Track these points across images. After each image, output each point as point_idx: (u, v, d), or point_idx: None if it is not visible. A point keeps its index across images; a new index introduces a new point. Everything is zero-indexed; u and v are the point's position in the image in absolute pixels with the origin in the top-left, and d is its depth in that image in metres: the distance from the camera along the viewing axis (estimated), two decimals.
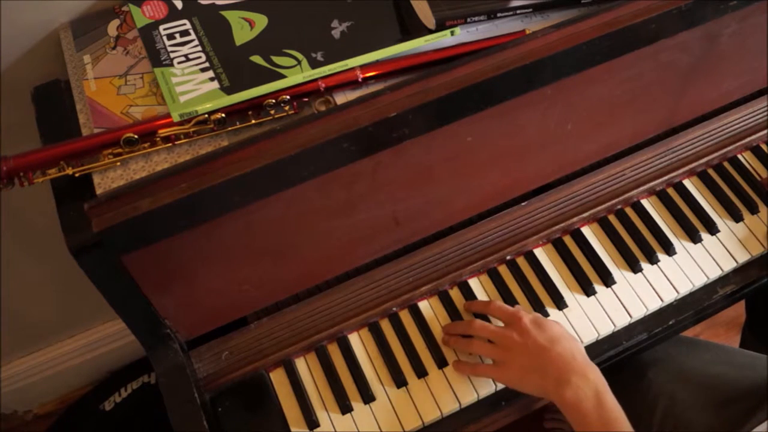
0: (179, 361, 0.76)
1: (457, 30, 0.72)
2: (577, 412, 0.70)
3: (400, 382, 0.81)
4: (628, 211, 0.92)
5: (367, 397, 0.80)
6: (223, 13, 0.75)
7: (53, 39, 0.78)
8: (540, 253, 0.89)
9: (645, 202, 0.92)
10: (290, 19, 0.74)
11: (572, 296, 0.86)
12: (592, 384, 0.70)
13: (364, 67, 0.71)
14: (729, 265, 0.88)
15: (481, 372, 0.79)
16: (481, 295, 0.86)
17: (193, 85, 0.69)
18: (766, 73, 0.91)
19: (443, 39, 0.72)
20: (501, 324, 0.80)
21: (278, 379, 0.82)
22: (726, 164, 0.95)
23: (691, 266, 0.88)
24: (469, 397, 0.80)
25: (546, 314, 0.84)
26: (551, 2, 0.74)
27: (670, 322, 0.85)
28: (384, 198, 0.75)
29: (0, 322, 1.17)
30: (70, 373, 1.38)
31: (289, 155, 0.62)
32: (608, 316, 0.84)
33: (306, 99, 0.70)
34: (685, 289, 0.86)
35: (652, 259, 0.88)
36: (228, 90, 0.68)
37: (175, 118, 0.67)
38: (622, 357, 0.85)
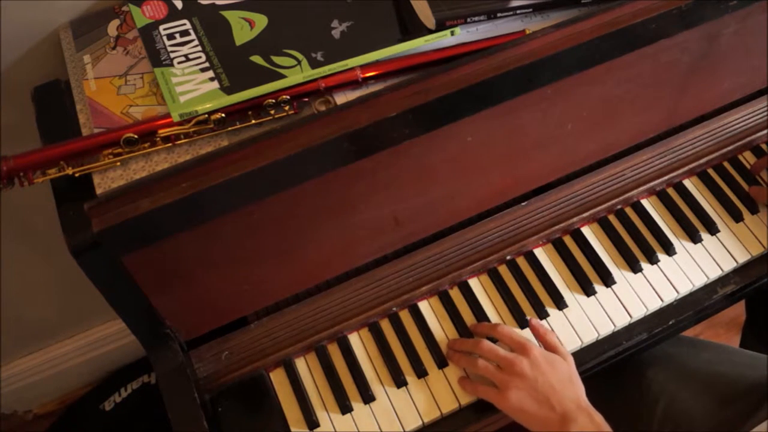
0: (179, 361, 0.76)
1: (457, 30, 0.72)
2: None
3: (400, 382, 0.81)
4: (628, 211, 0.92)
5: (367, 397, 0.80)
6: (223, 13, 0.75)
7: (53, 39, 0.78)
8: (540, 253, 0.89)
9: (645, 202, 0.92)
10: (290, 19, 0.74)
11: (572, 296, 0.86)
12: (596, 424, 0.72)
13: (364, 67, 0.71)
14: (729, 265, 0.88)
15: (482, 393, 0.78)
16: (481, 295, 0.86)
17: (193, 85, 0.69)
18: (766, 73, 0.91)
19: (443, 39, 0.72)
20: (507, 348, 0.80)
21: (278, 379, 0.82)
22: (726, 164, 0.95)
23: (691, 266, 0.87)
24: (469, 397, 0.80)
25: (546, 314, 0.84)
26: (551, 2, 0.74)
27: (670, 322, 0.85)
28: (384, 198, 0.75)
29: (0, 322, 1.17)
30: (70, 373, 1.38)
31: (289, 155, 0.62)
32: (608, 316, 0.84)
33: (306, 99, 0.71)
34: (685, 289, 0.86)
35: (652, 259, 0.88)
36: (228, 90, 0.68)
37: (175, 118, 0.67)
38: (622, 357, 0.85)
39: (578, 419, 0.72)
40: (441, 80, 0.66)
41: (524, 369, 0.75)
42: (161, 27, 0.74)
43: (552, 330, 0.83)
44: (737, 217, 0.91)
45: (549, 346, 0.80)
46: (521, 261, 0.88)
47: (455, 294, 0.86)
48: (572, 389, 0.75)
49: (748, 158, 0.96)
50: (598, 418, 0.73)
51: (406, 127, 0.66)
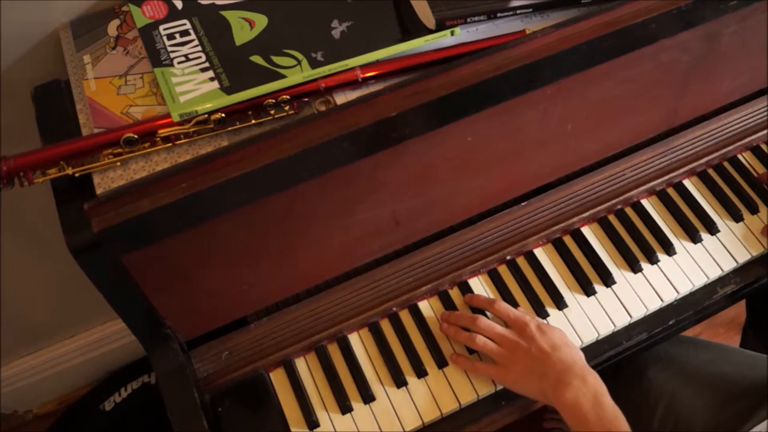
0: (179, 361, 0.76)
1: (457, 30, 0.72)
2: (575, 413, 0.71)
3: (400, 382, 0.81)
4: (628, 211, 0.92)
5: (367, 397, 0.80)
6: (223, 13, 0.75)
7: (53, 39, 0.78)
8: (540, 253, 0.89)
9: (645, 202, 0.92)
10: (290, 19, 0.74)
11: (572, 296, 0.86)
12: (591, 387, 0.72)
13: (364, 67, 0.71)
14: (729, 265, 0.88)
15: (481, 370, 0.79)
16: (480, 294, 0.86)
17: (193, 85, 0.69)
18: (766, 73, 0.91)
19: (443, 39, 0.72)
20: (502, 324, 0.81)
21: (278, 379, 0.82)
22: (726, 164, 0.95)
23: (691, 266, 0.88)
24: (469, 397, 0.80)
25: (546, 314, 0.84)
26: (551, 2, 0.74)
27: (670, 322, 0.85)
28: (384, 198, 0.75)
29: (0, 322, 1.17)
30: (70, 373, 1.38)
31: (289, 155, 0.62)
32: (608, 316, 0.84)
33: (306, 99, 0.70)
34: (685, 289, 0.86)
35: (652, 259, 0.88)
36: (228, 90, 0.68)
37: (175, 118, 0.67)
38: (622, 357, 0.85)
39: (571, 383, 0.72)
40: (441, 80, 0.66)
41: (520, 343, 0.77)
42: (161, 27, 0.74)
43: None
44: (737, 217, 0.91)
45: None
46: (521, 261, 0.88)
47: (455, 294, 0.86)
48: (567, 351, 0.75)
49: (748, 158, 0.96)
50: (593, 379, 0.73)
51: (406, 127, 0.66)
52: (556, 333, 0.78)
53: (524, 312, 0.81)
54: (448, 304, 0.85)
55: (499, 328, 0.79)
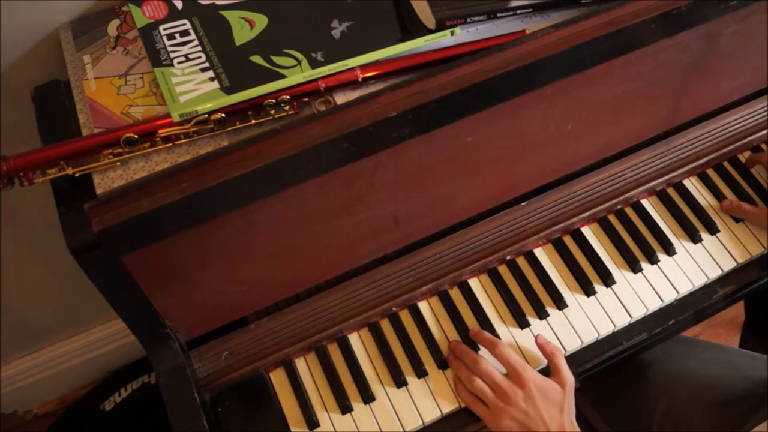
0: (179, 361, 0.76)
1: (457, 30, 0.72)
2: None
3: (400, 382, 0.81)
4: (628, 211, 0.92)
5: (367, 397, 0.80)
6: (223, 13, 0.75)
7: (53, 39, 0.78)
8: (540, 253, 0.89)
9: (645, 202, 0.92)
10: (290, 19, 0.74)
11: (572, 296, 0.86)
12: None
13: (364, 67, 0.71)
14: (729, 265, 0.88)
15: (476, 410, 0.78)
16: (481, 295, 0.86)
17: (193, 85, 0.69)
18: (766, 73, 0.91)
19: (443, 39, 0.72)
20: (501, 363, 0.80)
21: (278, 379, 0.82)
22: (726, 164, 0.95)
23: (691, 266, 0.88)
24: None
25: (546, 314, 0.84)
26: (551, 2, 0.74)
27: (670, 322, 0.85)
28: (384, 198, 0.75)
29: (0, 322, 1.17)
30: (70, 373, 1.38)
31: (289, 155, 0.62)
32: (608, 316, 0.84)
33: (306, 99, 0.70)
34: (685, 289, 0.86)
35: (652, 259, 0.88)
36: (228, 90, 0.68)
37: (175, 118, 0.67)
38: (622, 357, 0.85)
39: None
40: (441, 80, 0.66)
41: (518, 401, 0.75)
42: (161, 27, 0.74)
43: (560, 348, 0.81)
44: (737, 218, 0.91)
45: (553, 368, 0.79)
46: (521, 261, 0.88)
47: (455, 294, 0.86)
48: (560, 420, 0.75)
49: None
50: None
51: (406, 127, 0.66)
52: (556, 397, 0.76)
53: (525, 365, 0.78)
54: (448, 304, 0.85)
55: (498, 378, 0.77)
